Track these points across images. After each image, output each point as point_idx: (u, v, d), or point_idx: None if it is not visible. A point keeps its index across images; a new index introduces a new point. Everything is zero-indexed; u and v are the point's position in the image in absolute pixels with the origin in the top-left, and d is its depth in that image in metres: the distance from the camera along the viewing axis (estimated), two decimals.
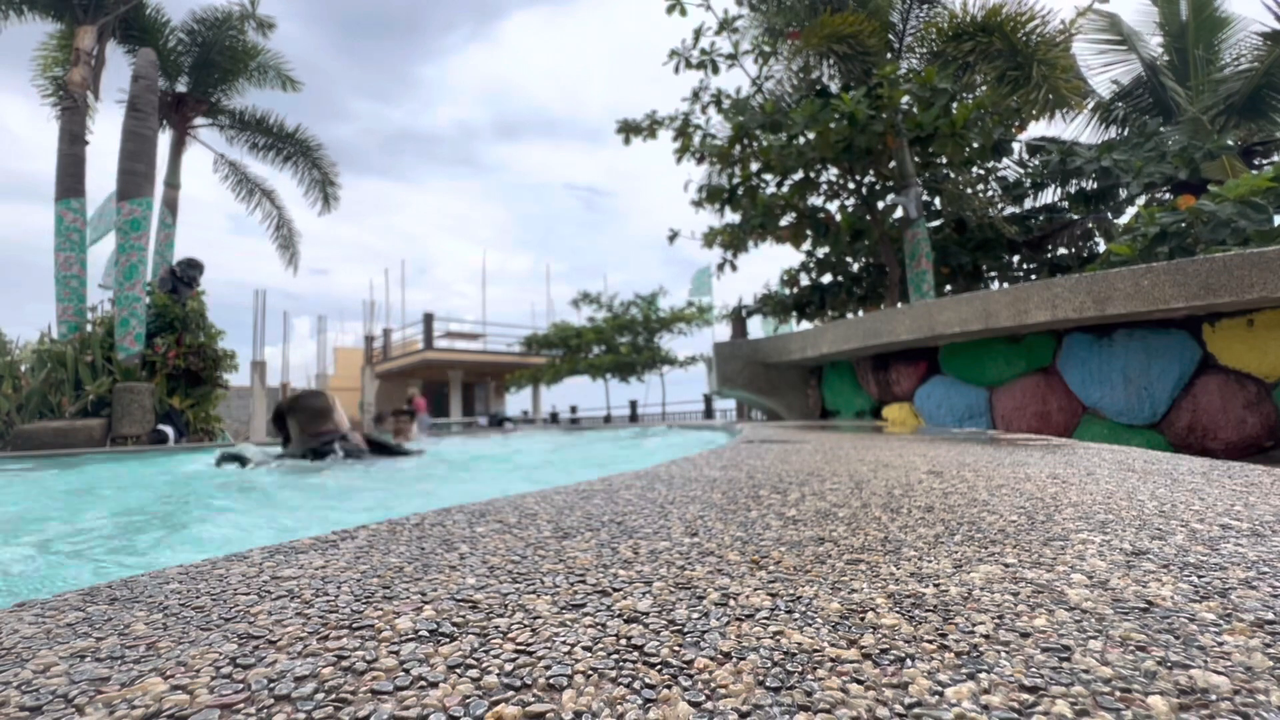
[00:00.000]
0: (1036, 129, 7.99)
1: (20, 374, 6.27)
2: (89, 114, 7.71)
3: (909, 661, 0.33)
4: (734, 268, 7.79)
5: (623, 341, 17.47)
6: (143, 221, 6.70)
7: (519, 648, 0.35)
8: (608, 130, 7.68)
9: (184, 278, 7.20)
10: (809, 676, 0.31)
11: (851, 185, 6.84)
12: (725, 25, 6.79)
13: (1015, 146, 7.34)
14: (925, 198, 6.91)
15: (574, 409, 21.22)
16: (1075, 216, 7.15)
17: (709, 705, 0.29)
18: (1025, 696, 0.29)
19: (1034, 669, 0.31)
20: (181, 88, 9.90)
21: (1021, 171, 7.44)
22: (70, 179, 7.20)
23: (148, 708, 0.29)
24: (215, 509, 1.96)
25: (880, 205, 6.92)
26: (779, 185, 6.81)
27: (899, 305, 5.55)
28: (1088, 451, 1.24)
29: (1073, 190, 6.90)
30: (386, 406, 22.27)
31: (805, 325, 8.48)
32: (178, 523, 1.70)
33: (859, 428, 2.73)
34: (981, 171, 7.25)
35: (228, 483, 2.42)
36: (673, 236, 8.05)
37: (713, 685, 0.31)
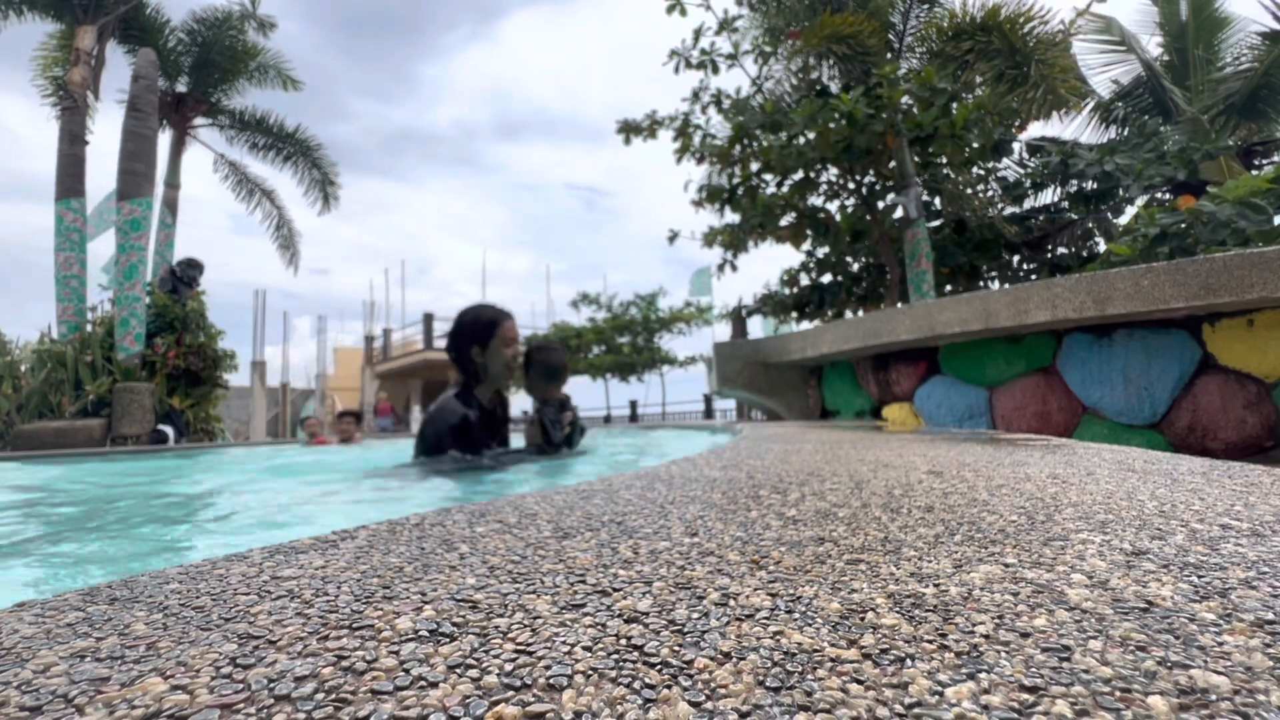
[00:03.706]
0: (1036, 129, 8.00)
1: (20, 374, 6.27)
2: (89, 114, 7.71)
3: (909, 661, 0.33)
4: (734, 268, 7.80)
5: (623, 341, 17.47)
6: (143, 221, 6.70)
7: (519, 648, 0.35)
8: (608, 130, 7.69)
9: (184, 278, 7.20)
10: (809, 676, 0.31)
11: (851, 185, 6.84)
12: (725, 25, 6.79)
13: (1015, 147, 7.34)
14: (925, 198, 6.91)
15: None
16: (1075, 217, 7.15)
17: (709, 705, 0.29)
18: (1025, 696, 0.29)
19: (1034, 669, 0.31)
20: (181, 88, 9.91)
21: (1021, 172, 7.44)
22: (70, 179, 7.21)
23: (148, 708, 0.29)
24: None
25: (880, 205, 6.92)
26: (779, 185, 6.81)
27: (899, 305, 5.54)
28: (1088, 451, 1.24)
29: (1073, 190, 6.90)
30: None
31: (805, 325, 8.48)
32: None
33: (859, 428, 2.73)
34: (981, 172, 7.25)
35: None
36: (673, 237, 8.05)
37: (713, 685, 0.31)
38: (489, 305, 2.36)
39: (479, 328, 2.26)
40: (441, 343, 22.80)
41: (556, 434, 2.46)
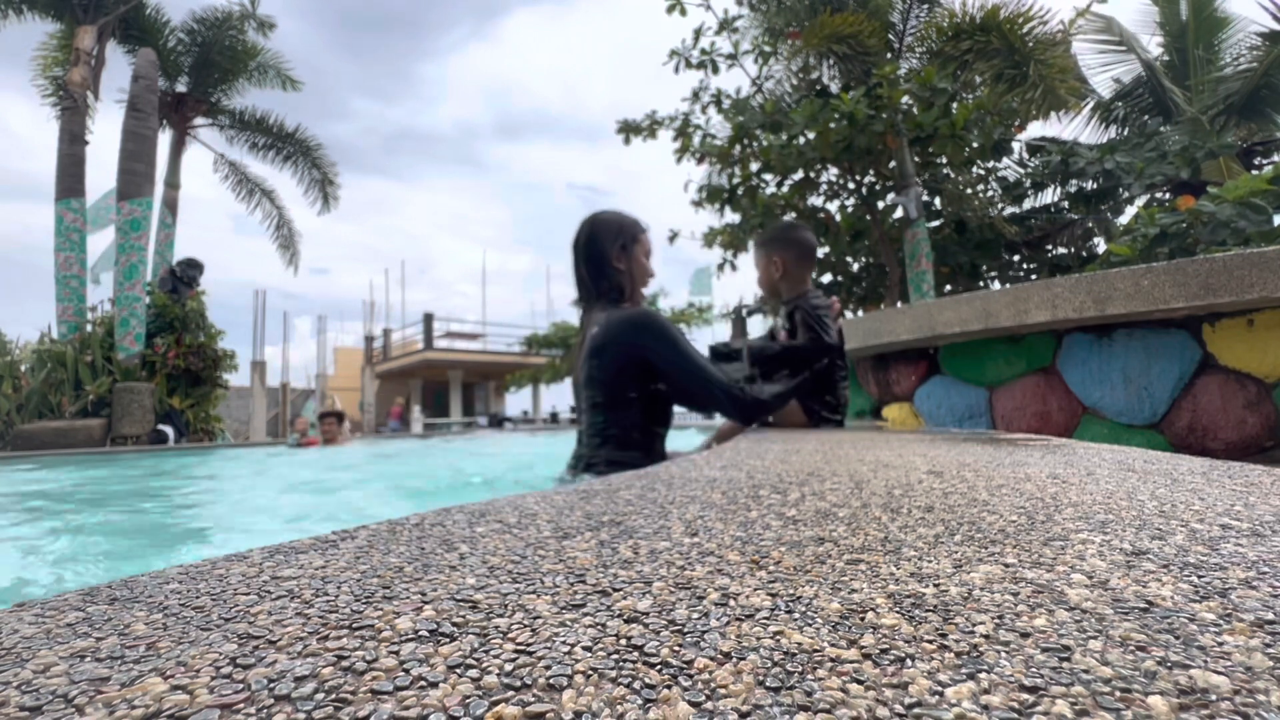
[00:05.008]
0: (1036, 129, 8.00)
1: (20, 374, 6.27)
2: (89, 114, 7.71)
3: (909, 661, 0.33)
4: (734, 268, 7.79)
5: None
6: (142, 221, 6.70)
7: (519, 648, 0.35)
8: (608, 129, 7.69)
9: (184, 278, 7.20)
10: (809, 676, 0.31)
11: (851, 185, 6.84)
12: (725, 25, 6.79)
13: (1015, 146, 7.34)
14: (925, 198, 6.91)
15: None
16: (1075, 216, 7.15)
17: (709, 705, 0.29)
18: (1025, 696, 0.29)
19: (1034, 669, 0.31)
20: (181, 88, 9.91)
21: (1021, 171, 7.44)
22: (70, 179, 7.21)
23: (148, 708, 0.29)
24: None
25: (880, 205, 6.92)
26: (779, 185, 6.81)
27: (899, 305, 5.54)
28: (1088, 451, 1.24)
29: (1073, 190, 6.90)
30: (387, 407, 22.27)
31: None
32: None
33: (859, 428, 2.72)
34: (981, 171, 7.25)
35: None
36: (673, 237, 8.05)
37: (713, 685, 0.31)
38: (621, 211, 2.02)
39: (624, 228, 1.87)
40: (441, 343, 22.80)
41: (832, 333, 1.94)
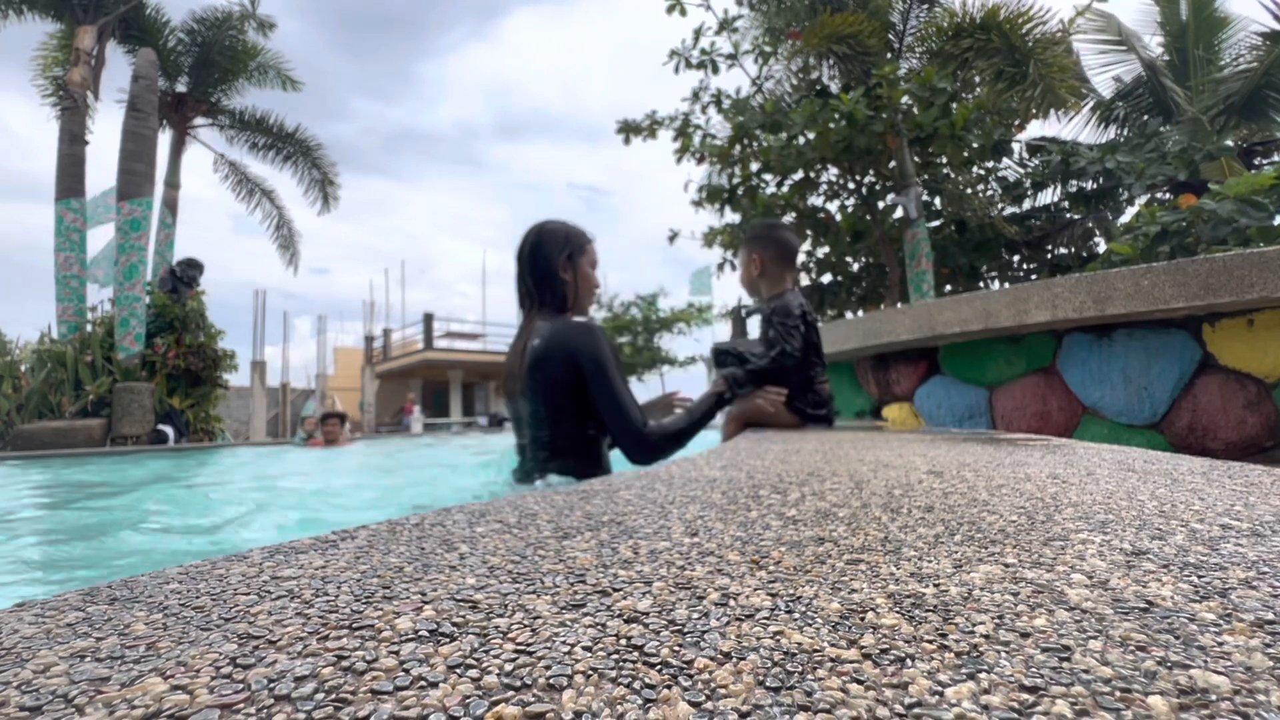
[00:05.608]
0: (1036, 129, 8.01)
1: (20, 374, 6.28)
2: (89, 114, 7.71)
3: (909, 661, 0.33)
4: (734, 268, 7.80)
5: (623, 342, 17.47)
6: (142, 221, 6.70)
7: (519, 648, 0.35)
8: (608, 129, 7.70)
9: (184, 278, 7.20)
10: (809, 676, 0.31)
11: (851, 185, 6.84)
12: (725, 25, 6.80)
13: (1015, 146, 7.34)
14: (925, 198, 6.91)
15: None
16: (1075, 216, 7.15)
17: (709, 705, 0.29)
18: (1025, 696, 0.29)
19: (1034, 669, 0.31)
20: (181, 88, 9.91)
21: (1021, 171, 7.44)
22: (70, 179, 7.21)
23: (148, 708, 0.29)
24: None
25: (880, 205, 6.92)
26: (779, 185, 6.81)
27: (899, 305, 5.55)
28: (1088, 451, 1.24)
29: (1073, 190, 6.90)
30: (387, 407, 22.26)
31: None
32: None
33: (859, 428, 2.72)
34: (981, 171, 7.25)
35: None
36: (673, 236, 8.06)
37: (713, 685, 0.31)
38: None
39: (570, 237, 1.84)
40: (441, 343, 22.76)
41: (796, 341, 1.97)
